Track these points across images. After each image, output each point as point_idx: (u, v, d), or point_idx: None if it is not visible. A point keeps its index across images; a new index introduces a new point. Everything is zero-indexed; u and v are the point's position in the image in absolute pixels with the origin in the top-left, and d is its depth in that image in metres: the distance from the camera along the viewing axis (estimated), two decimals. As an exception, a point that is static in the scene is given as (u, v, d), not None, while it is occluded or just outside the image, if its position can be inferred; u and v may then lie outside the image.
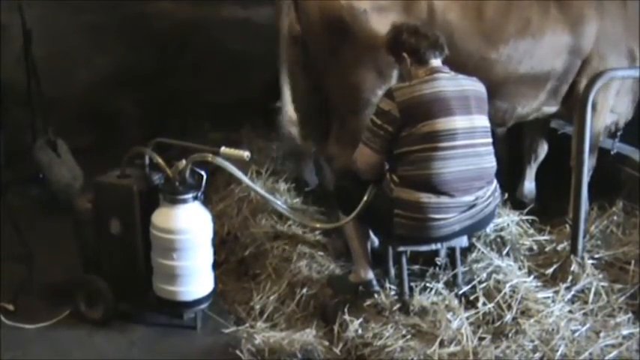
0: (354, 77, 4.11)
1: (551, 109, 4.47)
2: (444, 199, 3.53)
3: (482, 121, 3.66)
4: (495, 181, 3.73)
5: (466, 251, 3.99)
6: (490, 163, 3.67)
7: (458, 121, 3.53)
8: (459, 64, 3.82)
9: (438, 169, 3.51)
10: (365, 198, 3.66)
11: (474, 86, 3.69)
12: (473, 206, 3.61)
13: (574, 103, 4.35)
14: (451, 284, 3.83)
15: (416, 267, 3.97)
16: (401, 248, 3.72)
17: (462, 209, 3.59)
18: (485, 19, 4.11)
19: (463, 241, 3.85)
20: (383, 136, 3.57)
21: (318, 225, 4.21)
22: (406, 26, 3.73)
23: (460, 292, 3.76)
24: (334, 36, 4.06)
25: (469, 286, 3.80)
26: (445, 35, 3.79)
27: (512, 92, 4.27)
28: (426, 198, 3.52)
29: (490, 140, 3.70)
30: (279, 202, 4.20)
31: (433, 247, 3.81)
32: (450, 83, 3.59)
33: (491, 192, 3.69)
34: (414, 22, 3.88)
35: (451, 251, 3.86)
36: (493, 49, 4.13)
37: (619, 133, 4.71)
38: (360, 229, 3.85)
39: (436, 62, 3.66)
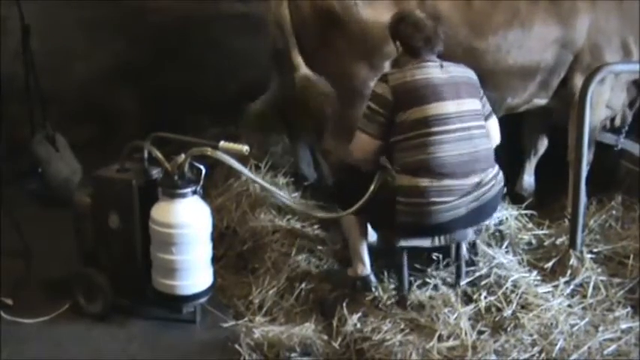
0: (346, 69, 4.11)
1: (542, 101, 4.48)
2: (445, 182, 3.54)
3: (473, 104, 3.67)
4: (497, 165, 3.72)
5: (471, 245, 3.97)
6: (485, 145, 3.67)
7: (449, 106, 3.56)
8: (448, 53, 3.84)
9: (433, 153, 3.52)
10: (372, 188, 3.62)
11: (464, 73, 3.72)
12: (476, 188, 3.60)
13: (567, 97, 4.38)
14: (453, 280, 3.83)
15: (417, 264, 3.96)
16: (403, 243, 3.70)
17: (463, 191, 3.57)
18: (474, 9, 4.12)
19: (469, 235, 3.81)
20: (378, 121, 3.60)
21: (321, 214, 4.13)
22: (408, 16, 3.73)
23: (461, 287, 3.76)
24: (326, 28, 4.07)
25: (470, 279, 3.81)
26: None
27: (501, 83, 4.28)
28: (428, 182, 3.52)
29: (483, 123, 3.70)
30: (281, 193, 4.19)
31: (437, 243, 3.76)
32: (439, 71, 3.63)
33: (493, 175, 3.67)
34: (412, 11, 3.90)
35: (456, 246, 3.84)
36: (482, 39, 4.14)
37: (624, 130, 4.72)
38: (358, 224, 3.85)
39: (427, 56, 3.67)
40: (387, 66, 4.11)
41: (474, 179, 3.60)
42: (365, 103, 4.09)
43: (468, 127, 3.61)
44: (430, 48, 3.67)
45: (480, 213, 3.71)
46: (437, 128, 3.53)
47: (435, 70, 3.63)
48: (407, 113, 3.54)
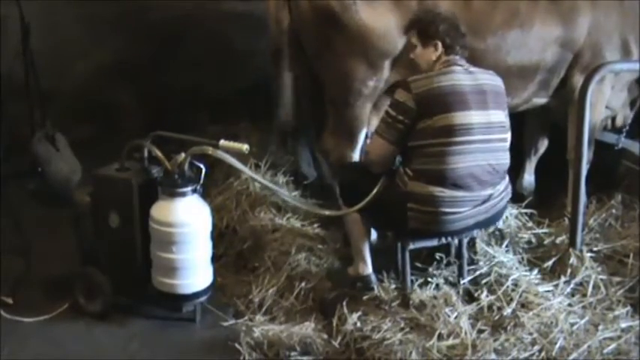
0: (345, 68, 4.11)
1: (542, 100, 4.47)
2: (458, 193, 3.51)
3: (499, 116, 3.62)
4: (507, 177, 3.71)
5: (471, 244, 3.98)
6: (504, 159, 3.64)
7: (474, 116, 3.50)
8: None
9: (452, 163, 3.48)
10: (376, 189, 3.61)
11: (492, 80, 3.65)
12: (487, 200, 3.59)
13: (567, 96, 4.37)
14: (455, 277, 3.83)
15: (418, 263, 3.97)
16: (411, 246, 3.69)
17: (475, 203, 3.56)
18: (474, 9, 4.11)
19: (474, 232, 3.85)
20: (398, 128, 3.53)
21: (327, 212, 4.05)
22: (442, 17, 3.69)
23: (462, 285, 3.76)
24: (325, 28, 4.08)
25: (471, 277, 3.81)
26: None
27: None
28: (440, 192, 3.49)
29: (506, 136, 3.67)
30: (283, 191, 4.18)
31: (444, 240, 3.77)
32: (466, 77, 3.56)
33: (504, 187, 3.67)
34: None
35: (457, 243, 3.85)
36: (482, 39, 4.13)
37: (625, 129, 4.72)
38: (361, 223, 3.85)
39: (462, 55, 3.65)
40: (386, 65, 4.11)
41: (488, 191, 3.59)
42: (362, 102, 4.10)
43: (490, 139, 3.56)
44: (464, 50, 3.65)
45: (487, 223, 3.75)
46: (459, 138, 3.47)
47: (462, 76, 3.54)
48: (431, 120, 3.46)
